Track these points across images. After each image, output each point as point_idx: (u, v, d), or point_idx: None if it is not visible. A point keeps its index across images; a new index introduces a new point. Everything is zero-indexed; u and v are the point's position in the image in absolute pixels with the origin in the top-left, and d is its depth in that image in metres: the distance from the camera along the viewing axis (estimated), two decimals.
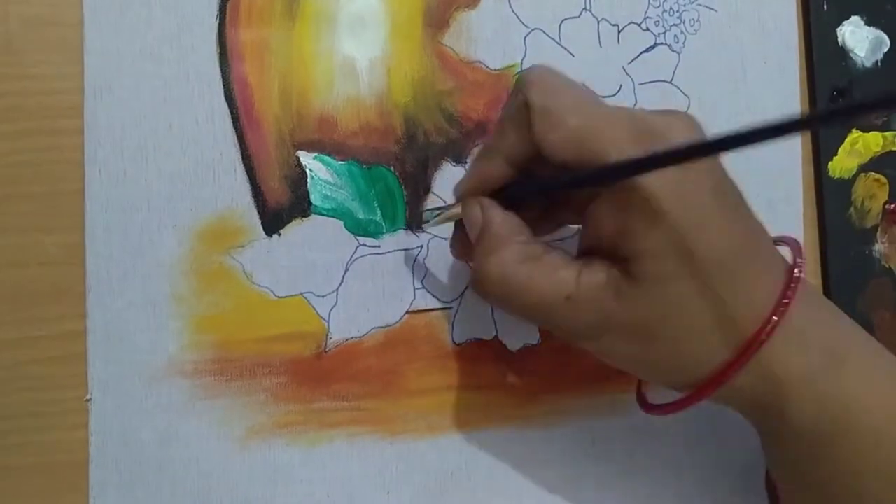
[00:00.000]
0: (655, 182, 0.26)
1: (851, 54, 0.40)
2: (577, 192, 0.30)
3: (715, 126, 0.37)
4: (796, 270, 0.28)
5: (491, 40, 0.36)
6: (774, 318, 0.27)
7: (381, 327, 0.34)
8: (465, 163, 0.35)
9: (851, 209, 0.39)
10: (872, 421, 0.27)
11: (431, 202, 0.35)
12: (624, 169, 0.26)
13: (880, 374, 0.28)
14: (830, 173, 0.39)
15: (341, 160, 0.34)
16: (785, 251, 0.29)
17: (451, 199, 0.34)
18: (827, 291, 0.39)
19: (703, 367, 0.27)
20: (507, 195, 0.30)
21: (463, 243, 0.32)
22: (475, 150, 0.35)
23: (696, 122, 0.28)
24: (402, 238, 0.35)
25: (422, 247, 0.35)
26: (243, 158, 0.33)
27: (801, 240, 0.38)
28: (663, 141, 0.27)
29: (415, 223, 0.34)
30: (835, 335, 0.28)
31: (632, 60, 0.37)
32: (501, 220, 0.29)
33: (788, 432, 0.28)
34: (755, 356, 0.27)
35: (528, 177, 0.30)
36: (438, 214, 0.32)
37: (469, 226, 0.30)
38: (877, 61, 0.40)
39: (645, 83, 0.37)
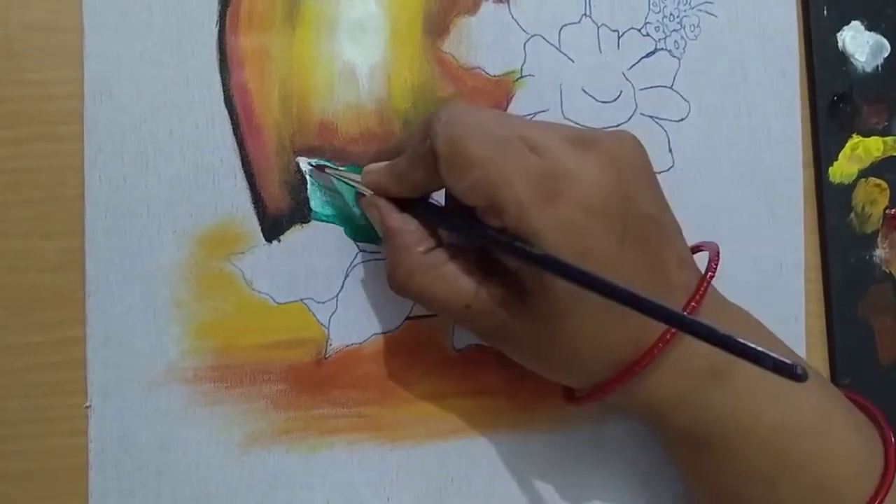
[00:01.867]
0: (555, 238, 0.26)
1: (852, 59, 0.40)
2: None
3: (714, 131, 0.38)
4: (696, 297, 0.29)
5: (491, 46, 0.36)
6: (658, 346, 0.28)
7: (382, 333, 0.34)
8: None
9: (852, 214, 0.39)
10: (741, 424, 0.30)
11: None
12: (529, 257, 0.27)
13: (761, 385, 0.30)
14: (831, 178, 0.39)
15: (342, 166, 0.34)
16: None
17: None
18: (827, 297, 0.39)
19: (596, 375, 0.30)
20: (408, 207, 0.30)
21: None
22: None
23: (620, 154, 0.28)
24: None
25: None
26: (243, 164, 0.33)
27: (801, 245, 0.38)
28: (572, 190, 0.27)
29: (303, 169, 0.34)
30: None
31: (632, 66, 0.37)
32: (400, 227, 0.30)
33: (669, 437, 0.32)
34: (634, 379, 0.29)
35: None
36: (336, 177, 0.33)
37: (373, 223, 0.32)
38: (877, 66, 0.40)
39: (645, 88, 0.37)
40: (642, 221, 0.28)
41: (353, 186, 0.32)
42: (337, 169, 0.33)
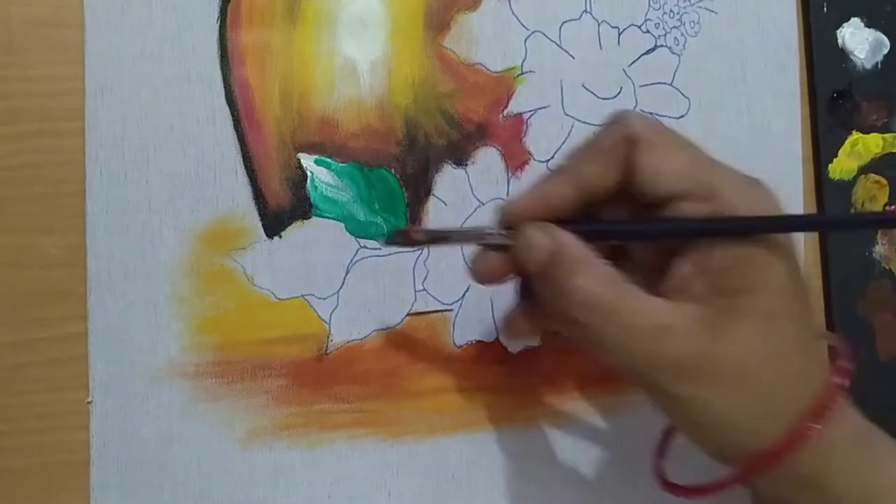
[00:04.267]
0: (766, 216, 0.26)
1: (851, 56, 0.40)
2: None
3: (714, 128, 0.38)
4: (844, 363, 0.27)
5: (491, 42, 0.36)
6: (843, 379, 0.26)
7: (382, 329, 0.34)
8: (466, 165, 0.35)
9: (852, 211, 0.39)
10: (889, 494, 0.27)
11: (432, 204, 0.35)
12: (750, 226, 0.26)
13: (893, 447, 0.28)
14: (831, 175, 0.39)
15: (342, 162, 0.34)
16: None
17: (453, 202, 0.34)
18: (827, 293, 0.39)
19: (779, 423, 0.25)
20: (580, 232, 0.27)
21: (496, 263, 0.28)
22: (475, 153, 0.35)
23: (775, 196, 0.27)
24: None
25: (422, 249, 0.35)
26: (244, 160, 0.33)
27: (801, 241, 0.39)
28: (760, 183, 0.27)
29: (392, 239, 0.30)
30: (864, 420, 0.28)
31: (632, 62, 0.37)
32: (575, 241, 0.27)
33: None
34: (826, 419, 0.25)
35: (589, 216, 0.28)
36: (435, 235, 0.30)
37: (530, 251, 0.27)
38: (877, 63, 0.40)
39: (645, 85, 0.37)
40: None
41: (470, 239, 0.29)
42: (443, 228, 0.30)
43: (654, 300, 0.26)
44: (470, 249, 0.30)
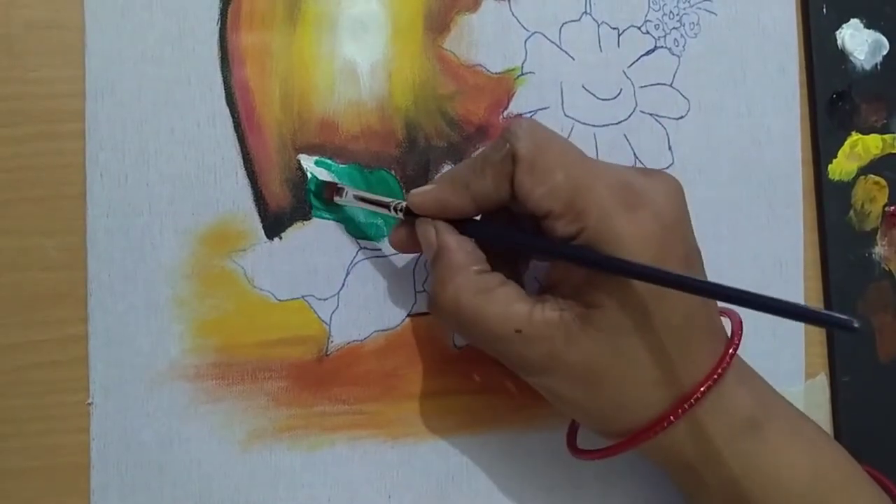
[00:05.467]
0: (636, 245, 0.27)
1: (851, 57, 0.40)
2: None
3: (714, 129, 0.38)
4: (734, 345, 0.29)
5: (491, 44, 0.36)
6: (709, 381, 0.28)
7: (383, 331, 0.34)
8: None
9: (851, 212, 0.39)
10: (785, 484, 0.29)
11: None
12: (602, 263, 0.27)
13: (794, 440, 0.30)
14: (830, 176, 0.39)
15: (342, 164, 0.34)
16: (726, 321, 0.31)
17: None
18: (827, 294, 0.39)
19: (639, 416, 0.29)
20: (467, 230, 0.30)
21: (405, 239, 0.32)
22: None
23: (679, 186, 0.30)
24: None
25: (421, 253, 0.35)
26: (244, 162, 0.33)
27: (801, 242, 0.39)
28: (649, 204, 0.28)
29: (317, 192, 0.34)
30: (757, 404, 0.30)
31: (632, 64, 0.37)
32: (456, 246, 0.30)
33: (706, 493, 0.30)
34: (688, 413, 0.28)
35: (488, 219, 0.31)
36: (362, 196, 0.32)
37: (423, 244, 0.31)
38: (876, 64, 0.40)
39: (645, 86, 0.37)
40: (696, 252, 0.30)
41: (385, 213, 0.32)
42: (363, 196, 0.33)
43: (517, 307, 0.29)
44: None
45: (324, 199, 0.34)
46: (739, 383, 0.30)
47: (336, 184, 0.33)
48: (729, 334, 0.30)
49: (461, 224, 0.30)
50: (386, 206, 0.32)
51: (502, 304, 0.29)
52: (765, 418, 0.30)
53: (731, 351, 0.29)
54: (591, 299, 0.28)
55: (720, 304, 0.30)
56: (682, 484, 0.32)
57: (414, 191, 0.31)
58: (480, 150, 0.32)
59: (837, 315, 0.22)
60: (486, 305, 0.29)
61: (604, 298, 0.28)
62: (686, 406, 0.28)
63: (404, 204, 0.31)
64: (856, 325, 0.21)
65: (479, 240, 0.30)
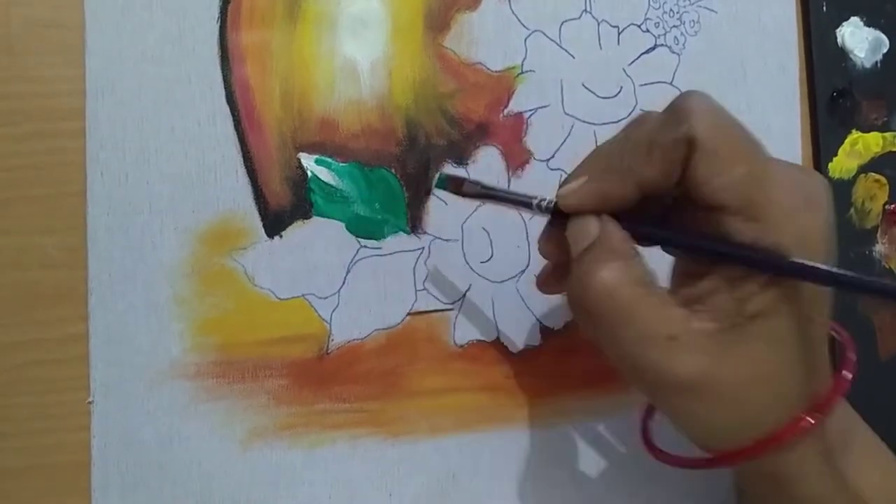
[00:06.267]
0: (817, 246, 0.25)
1: (851, 55, 0.40)
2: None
3: None
4: (852, 358, 0.27)
5: (491, 42, 0.36)
6: (838, 395, 0.26)
7: (383, 329, 0.34)
8: (467, 164, 0.35)
9: (852, 210, 0.39)
10: (869, 499, 0.28)
11: (432, 204, 0.35)
12: (802, 272, 0.25)
13: (875, 461, 0.29)
14: (831, 174, 0.39)
15: (343, 162, 0.34)
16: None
17: (454, 201, 0.34)
18: None
19: (758, 430, 0.26)
20: (630, 229, 0.27)
21: (554, 242, 0.29)
22: (476, 153, 0.35)
23: (830, 187, 0.27)
24: (403, 240, 0.35)
25: (423, 248, 0.35)
26: (245, 161, 0.33)
27: None
28: (822, 205, 0.26)
29: (442, 184, 0.31)
30: (845, 422, 0.28)
31: (632, 62, 0.37)
32: (621, 236, 0.26)
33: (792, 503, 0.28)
34: (811, 430, 0.26)
35: (648, 215, 0.27)
36: (485, 192, 0.30)
37: (577, 236, 0.27)
38: (876, 62, 0.40)
39: (645, 84, 0.37)
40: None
41: (523, 207, 0.29)
42: (495, 192, 0.30)
43: (673, 310, 0.25)
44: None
45: (450, 190, 0.31)
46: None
47: (463, 178, 0.31)
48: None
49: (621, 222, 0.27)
50: (527, 204, 0.29)
51: (661, 303, 0.25)
52: (851, 435, 0.28)
53: (853, 363, 0.27)
54: (758, 308, 0.25)
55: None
56: (763, 498, 0.29)
57: (564, 188, 0.28)
58: (636, 128, 0.27)
59: None
60: (644, 300, 0.25)
61: (773, 305, 0.25)
62: (808, 425, 0.25)
63: (553, 201, 0.28)
64: None
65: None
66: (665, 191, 0.26)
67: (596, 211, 0.27)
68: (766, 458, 0.26)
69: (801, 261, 0.24)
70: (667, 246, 0.28)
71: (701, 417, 0.26)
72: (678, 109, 0.26)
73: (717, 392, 0.25)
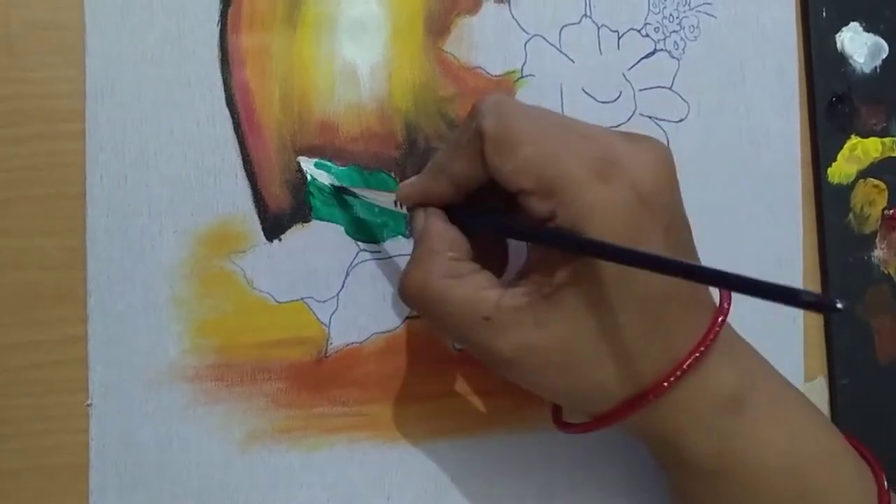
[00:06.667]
0: (608, 218, 0.26)
1: (850, 60, 0.40)
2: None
3: (714, 132, 0.38)
4: (719, 319, 0.28)
5: (491, 46, 0.36)
6: (689, 361, 0.27)
7: (382, 332, 0.34)
8: None
9: (850, 215, 0.39)
10: (764, 459, 0.29)
11: None
12: (586, 246, 0.26)
13: (775, 416, 0.29)
14: (829, 179, 0.39)
15: (342, 165, 0.34)
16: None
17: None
18: None
19: (615, 397, 0.28)
20: (455, 217, 0.30)
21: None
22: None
23: (665, 153, 0.28)
24: (402, 243, 0.35)
25: None
26: (244, 163, 0.33)
27: (800, 245, 0.39)
28: (625, 174, 0.26)
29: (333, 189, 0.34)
30: (741, 380, 0.29)
31: (632, 66, 0.37)
32: (438, 232, 0.29)
33: (686, 467, 0.30)
34: (664, 395, 0.27)
35: (480, 202, 0.30)
36: (363, 192, 0.33)
37: (413, 231, 0.30)
38: (875, 67, 0.40)
39: (645, 89, 0.37)
40: (681, 222, 0.28)
41: (384, 206, 0.32)
42: (363, 191, 0.33)
43: (485, 293, 0.27)
44: None
45: (336, 200, 0.34)
46: (724, 357, 0.28)
47: (345, 187, 0.34)
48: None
49: (451, 210, 0.30)
50: (387, 200, 0.32)
51: (470, 289, 0.28)
52: (748, 395, 0.29)
53: (716, 328, 0.27)
54: (564, 277, 0.26)
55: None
56: (661, 458, 0.31)
57: (402, 182, 0.31)
58: (456, 131, 0.32)
59: (817, 294, 0.21)
60: (453, 289, 0.27)
61: (572, 276, 0.26)
62: (662, 389, 0.27)
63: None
64: (839, 305, 0.19)
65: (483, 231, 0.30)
66: (481, 184, 0.29)
67: (425, 205, 0.30)
68: (642, 418, 0.28)
69: (582, 236, 0.26)
70: (489, 232, 0.31)
71: (542, 385, 0.28)
72: (472, 109, 0.28)
73: (544, 359, 0.27)
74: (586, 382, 0.28)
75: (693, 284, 0.27)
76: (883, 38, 0.40)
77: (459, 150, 0.28)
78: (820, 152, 0.39)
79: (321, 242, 0.34)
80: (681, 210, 0.29)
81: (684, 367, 0.27)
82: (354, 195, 0.33)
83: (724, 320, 0.28)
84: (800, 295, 0.20)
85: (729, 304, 0.29)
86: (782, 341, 0.38)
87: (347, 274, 0.34)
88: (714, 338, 0.28)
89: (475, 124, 0.28)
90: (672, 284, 0.26)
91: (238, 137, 0.33)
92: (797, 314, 0.39)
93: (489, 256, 0.31)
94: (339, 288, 0.34)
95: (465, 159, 0.28)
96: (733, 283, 0.23)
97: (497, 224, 0.30)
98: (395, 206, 0.31)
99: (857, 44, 0.40)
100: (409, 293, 0.29)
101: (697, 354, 0.27)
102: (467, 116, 0.29)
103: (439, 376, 0.35)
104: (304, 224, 0.34)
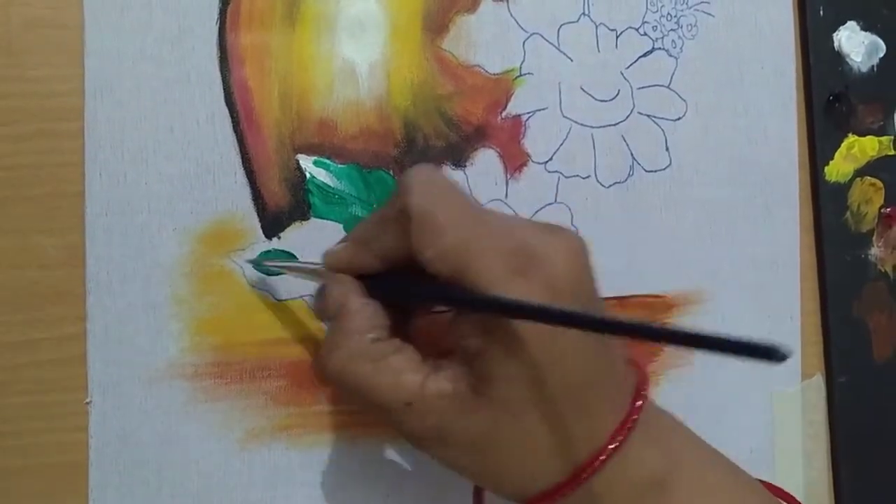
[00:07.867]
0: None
1: (847, 59, 0.40)
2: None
3: (711, 130, 0.38)
4: (637, 407, 0.28)
5: (490, 44, 0.36)
6: (610, 447, 0.27)
7: None
8: (465, 166, 0.35)
9: (847, 213, 0.39)
10: None
11: None
12: (495, 306, 0.26)
13: (702, 497, 0.29)
14: (827, 177, 0.39)
15: (341, 164, 0.34)
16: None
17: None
18: (823, 296, 0.39)
19: (537, 484, 0.27)
20: (375, 286, 0.29)
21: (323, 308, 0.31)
22: (474, 155, 0.35)
23: (579, 244, 0.28)
24: None
25: None
26: (243, 161, 0.33)
27: (797, 243, 0.39)
28: (541, 268, 0.26)
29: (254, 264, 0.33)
30: (664, 463, 0.28)
31: (630, 65, 0.37)
32: (356, 309, 0.29)
33: None
34: (586, 482, 0.27)
35: (402, 272, 0.29)
36: (287, 266, 0.33)
37: (327, 303, 0.30)
38: (872, 66, 0.40)
39: (643, 88, 0.37)
40: (596, 307, 0.28)
41: (309, 276, 0.32)
42: (287, 262, 0.33)
43: (406, 377, 0.27)
44: None
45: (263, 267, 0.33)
46: (646, 441, 0.28)
47: (269, 260, 0.33)
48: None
49: (370, 280, 0.30)
50: (313, 271, 0.32)
51: (392, 373, 0.27)
52: (672, 477, 0.28)
53: (633, 416, 0.27)
54: (483, 370, 0.26)
55: (630, 355, 0.29)
56: None
57: (328, 250, 0.31)
58: (386, 202, 0.31)
59: (762, 344, 0.20)
60: (376, 375, 0.27)
61: (495, 369, 0.26)
62: (583, 477, 0.27)
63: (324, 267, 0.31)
64: (783, 354, 0.20)
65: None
66: (408, 259, 0.28)
67: (350, 273, 0.30)
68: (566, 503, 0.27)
69: (513, 300, 0.26)
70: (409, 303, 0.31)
71: (462, 467, 0.28)
72: (399, 183, 0.28)
73: (463, 443, 0.27)
74: (505, 470, 0.28)
75: (613, 370, 0.28)
76: (880, 36, 0.40)
77: (387, 224, 0.28)
78: (817, 151, 0.39)
79: (320, 240, 0.34)
80: (596, 296, 0.29)
81: (606, 452, 0.27)
82: (281, 271, 0.33)
83: (642, 405, 0.28)
84: (744, 347, 0.21)
85: (647, 388, 0.29)
86: (779, 339, 0.38)
87: None
88: (633, 425, 0.27)
89: (401, 202, 0.27)
90: (592, 371, 0.27)
91: (237, 135, 0.33)
92: (794, 312, 0.39)
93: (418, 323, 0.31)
94: None
95: (392, 235, 0.28)
96: (651, 334, 0.24)
97: (420, 295, 0.30)
98: (318, 275, 0.31)
99: (855, 42, 0.40)
100: (327, 377, 0.28)
101: (615, 445, 0.27)
102: (395, 189, 0.29)
103: None
104: (303, 222, 0.34)
